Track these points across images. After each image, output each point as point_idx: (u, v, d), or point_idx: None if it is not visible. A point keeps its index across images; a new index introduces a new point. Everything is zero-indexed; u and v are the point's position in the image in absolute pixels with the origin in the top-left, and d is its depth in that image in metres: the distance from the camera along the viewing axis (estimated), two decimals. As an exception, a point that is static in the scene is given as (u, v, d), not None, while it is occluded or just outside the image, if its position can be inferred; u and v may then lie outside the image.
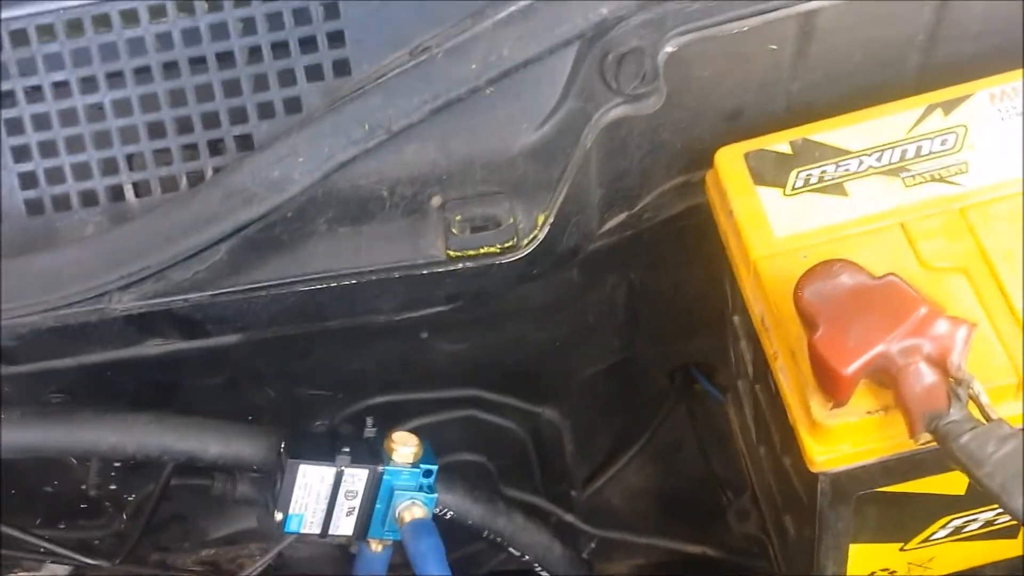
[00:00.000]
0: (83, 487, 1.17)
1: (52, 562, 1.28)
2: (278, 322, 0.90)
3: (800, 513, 0.98)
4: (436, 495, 0.89)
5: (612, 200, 0.98)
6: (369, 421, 0.90)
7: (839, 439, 0.81)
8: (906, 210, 0.86)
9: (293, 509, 0.86)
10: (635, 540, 1.30)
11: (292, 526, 0.87)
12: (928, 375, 0.74)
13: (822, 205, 0.88)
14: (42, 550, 1.15)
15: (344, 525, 0.88)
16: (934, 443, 0.75)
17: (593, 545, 1.25)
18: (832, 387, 0.78)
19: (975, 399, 0.75)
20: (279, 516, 0.86)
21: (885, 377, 0.76)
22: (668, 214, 1.05)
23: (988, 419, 0.73)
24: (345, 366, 1.04)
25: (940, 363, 0.75)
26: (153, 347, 0.93)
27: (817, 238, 0.87)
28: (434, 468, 0.89)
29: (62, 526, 1.29)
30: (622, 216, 1.01)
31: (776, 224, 0.88)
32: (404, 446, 0.89)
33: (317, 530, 0.88)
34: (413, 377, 1.08)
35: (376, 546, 0.91)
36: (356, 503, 0.87)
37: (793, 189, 0.89)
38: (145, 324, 0.88)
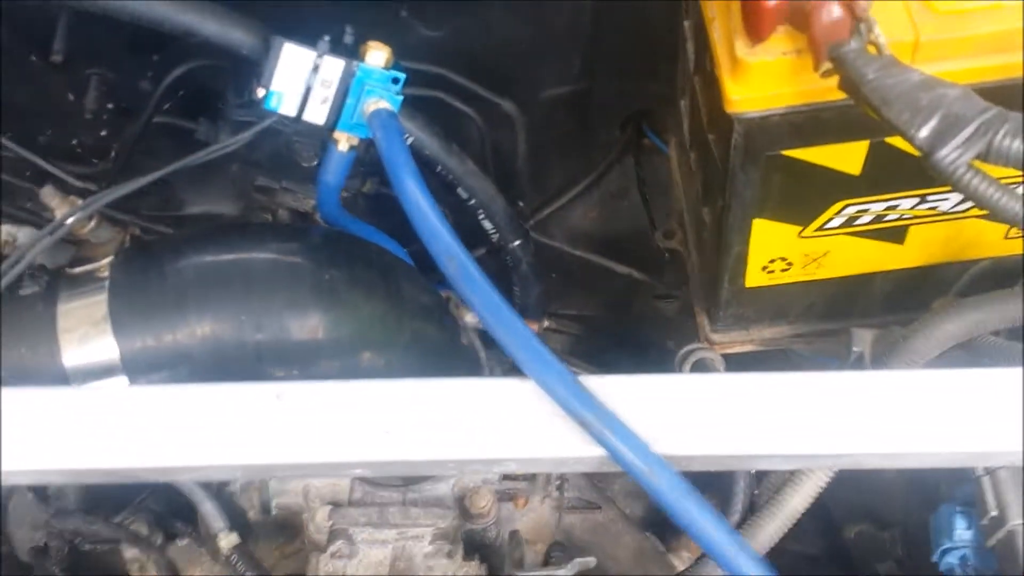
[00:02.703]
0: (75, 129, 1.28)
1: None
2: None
3: (715, 191, 1.11)
4: (401, 98, 1.00)
5: None
6: (348, 28, 1.01)
7: (756, 79, 0.93)
8: None
9: (275, 86, 0.97)
10: (570, 251, 1.43)
11: (272, 103, 0.98)
12: (836, 12, 0.86)
13: None
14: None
15: (318, 113, 0.99)
16: (835, 73, 0.87)
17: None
18: (756, 23, 0.89)
19: (874, 42, 0.87)
20: (261, 92, 0.97)
21: (801, 17, 0.88)
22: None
23: (883, 55, 0.86)
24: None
25: (848, 5, 0.87)
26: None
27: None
28: (402, 76, 1.01)
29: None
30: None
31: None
32: (378, 51, 1.00)
33: (293, 112, 0.99)
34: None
35: (343, 144, 1.03)
36: (330, 93, 0.98)
37: None
38: None
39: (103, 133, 1.29)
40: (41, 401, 0.78)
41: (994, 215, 0.82)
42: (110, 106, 1.28)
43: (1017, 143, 0.79)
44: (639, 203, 1.51)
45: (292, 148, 1.23)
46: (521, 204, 1.39)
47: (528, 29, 1.23)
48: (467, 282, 0.77)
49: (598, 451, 0.73)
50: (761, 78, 0.93)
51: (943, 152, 0.80)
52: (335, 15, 1.11)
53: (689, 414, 0.75)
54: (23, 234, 1.48)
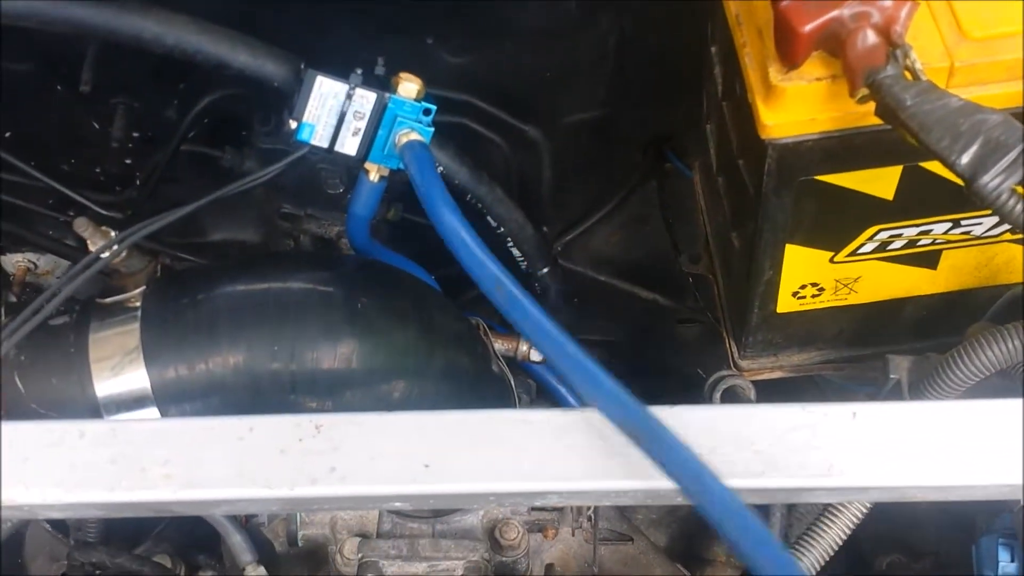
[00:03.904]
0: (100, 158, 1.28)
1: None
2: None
3: (745, 216, 1.10)
4: (432, 130, 1.00)
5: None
6: (380, 60, 1.01)
7: (789, 104, 0.92)
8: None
9: (307, 118, 0.97)
10: (593, 276, 1.42)
11: (304, 135, 0.98)
12: (872, 38, 0.86)
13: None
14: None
15: (350, 144, 0.99)
16: (871, 99, 0.86)
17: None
18: (790, 49, 0.89)
19: (910, 68, 0.86)
20: (293, 124, 0.97)
21: (835, 43, 0.88)
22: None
23: (919, 80, 0.85)
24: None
25: (884, 31, 0.86)
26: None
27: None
28: (433, 108, 1.00)
29: (71, 213, 1.39)
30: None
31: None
32: (409, 82, 1.00)
33: (326, 144, 0.98)
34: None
35: (374, 175, 1.03)
36: (362, 124, 0.98)
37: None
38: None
39: (128, 161, 1.30)
40: (72, 433, 0.77)
41: (1038, 240, 0.82)
42: (136, 135, 1.28)
43: (1060, 168, 0.78)
44: (661, 228, 1.50)
45: (318, 175, 1.23)
46: (545, 229, 1.39)
47: (553, 57, 1.23)
48: (518, 309, 0.76)
49: (660, 483, 0.72)
50: (795, 103, 0.92)
51: (985, 179, 0.79)
52: (362, 44, 1.11)
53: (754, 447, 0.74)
54: (43, 262, 1.48)
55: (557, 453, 0.76)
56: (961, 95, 0.84)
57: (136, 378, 0.97)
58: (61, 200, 1.36)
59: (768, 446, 0.75)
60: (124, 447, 0.76)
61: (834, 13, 0.86)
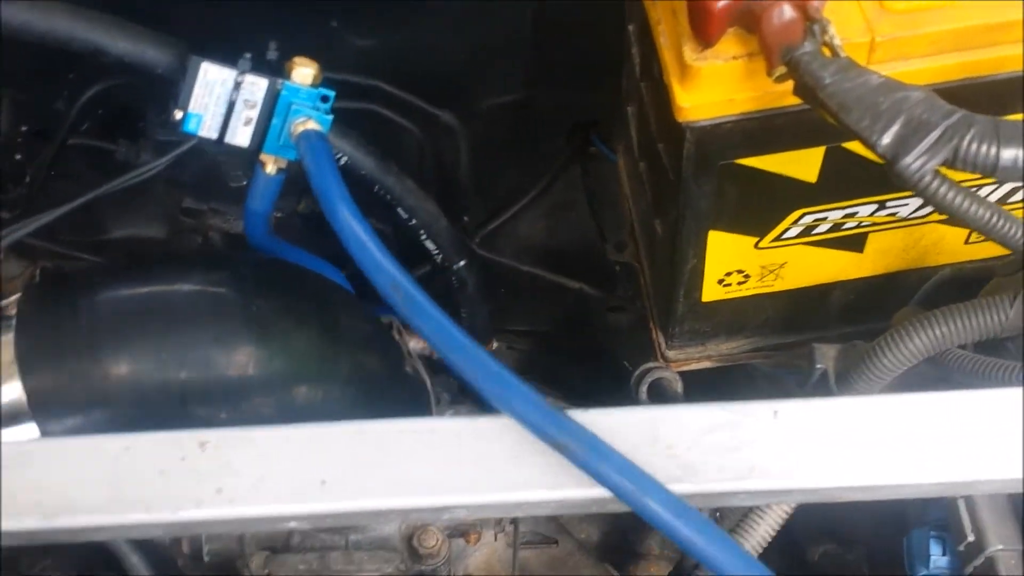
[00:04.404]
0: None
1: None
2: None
3: (667, 202, 1.06)
4: (331, 118, 0.94)
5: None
6: (272, 44, 0.94)
7: (706, 85, 0.88)
8: None
9: (193, 108, 0.90)
10: (518, 266, 1.37)
11: (191, 125, 0.91)
12: (788, 13, 0.82)
13: None
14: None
15: (241, 135, 0.92)
16: (789, 78, 0.82)
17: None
18: (704, 25, 0.84)
19: (829, 44, 0.82)
20: (179, 114, 0.90)
21: (751, 19, 0.83)
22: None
23: (838, 57, 0.81)
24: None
25: (801, 5, 0.82)
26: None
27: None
28: (331, 94, 0.94)
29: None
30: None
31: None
32: (304, 67, 0.93)
33: (214, 135, 0.92)
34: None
35: (271, 167, 0.96)
36: (254, 114, 0.92)
37: None
38: None
39: (17, 157, 1.21)
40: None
41: (962, 223, 0.78)
42: (23, 128, 1.20)
43: (985, 148, 0.74)
44: (587, 214, 1.46)
45: (219, 168, 1.16)
46: (466, 219, 1.33)
47: (466, 37, 1.17)
48: (417, 312, 0.70)
49: (577, 491, 0.68)
50: (712, 84, 0.88)
51: (907, 160, 0.75)
52: (261, 27, 1.04)
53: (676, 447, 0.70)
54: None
55: (466, 464, 0.71)
56: (883, 71, 0.80)
57: (11, 391, 0.90)
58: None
59: (686, 449, 0.71)
60: (-8, 471, 0.69)
61: (748, -13, 0.82)
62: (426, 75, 1.19)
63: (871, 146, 0.78)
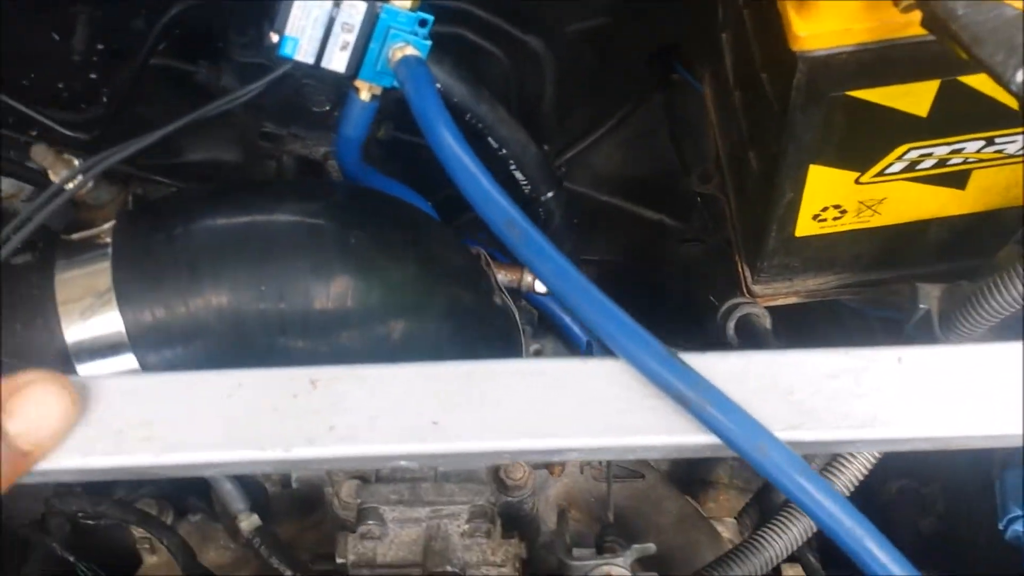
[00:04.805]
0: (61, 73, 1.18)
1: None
2: None
3: (767, 135, 1.02)
4: (430, 43, 0.91)
5: None
6: (368, -35, 0.91)
7: (825, 13, 0.84)
8: None
9: (290, 31, 0.88)
10: (595, 196, 1.35)
11: (287, 49, 0.88)
12: (921, -58, 0.77)
13: None
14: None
15: (338, 60, 0.89)
16: (916, 8, 0.78)
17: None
18: (827, -49, 0.80)
19: (961, -28, 0.78)
20: (275, 37, 0.87)
21: (879, -57, 0.79)
22: None
23: (970, -13, 0.77)
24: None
25: (934, -70, 0.78)
26: None
27: None
28: (430, 18, 0.91)
29: (33, 134, 1.29)
30: None
31: None
32: (404, -9, 0.91)
33: (311, 59, 0.89)
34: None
35: (365, 93, 0.94)
36: (351, 38, 0.88)
37: None
38: None
39: (92, 76, 1.19)
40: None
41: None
42: (100, 47, 1.17)
43: None
44: (667, 144, 1.42)
45: (302, 92, 1.14)
46: (547, 148, 1.30)
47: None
48: (536, 253, 0.68)
49: (689, 437, 0.67)
50: (831, 13, 0.84)
51: (1044, 98, 0.72)
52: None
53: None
54: (6, 185, 1.38)
55: (578, 406, 0.70)
56: (1017, 5, 0.76)
57: (109, 322, 0.89)
58: (20, 119, 1.26)
59: (808, 395, 0.69)
60: (98, 407, 0.69)
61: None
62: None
63: (1004, 83, 0.74)
